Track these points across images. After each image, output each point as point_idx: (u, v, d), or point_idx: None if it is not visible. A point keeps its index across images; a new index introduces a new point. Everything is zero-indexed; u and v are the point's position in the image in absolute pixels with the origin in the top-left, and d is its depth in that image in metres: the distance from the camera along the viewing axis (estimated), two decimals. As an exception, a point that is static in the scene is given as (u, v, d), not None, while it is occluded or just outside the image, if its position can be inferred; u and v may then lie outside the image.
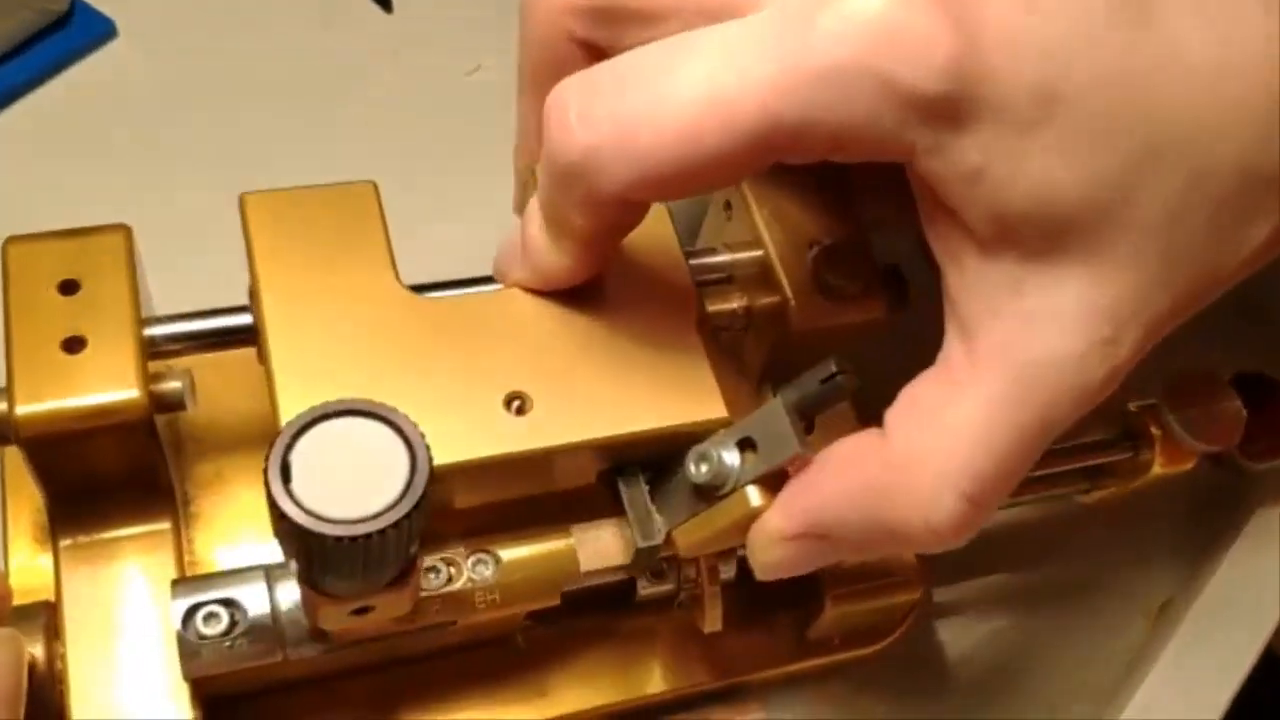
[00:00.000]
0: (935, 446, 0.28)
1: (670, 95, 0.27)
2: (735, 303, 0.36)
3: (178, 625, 0.31)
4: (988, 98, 0.25)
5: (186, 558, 0.36)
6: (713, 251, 0.37)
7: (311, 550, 0.27)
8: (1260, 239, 0.27)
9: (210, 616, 0.32)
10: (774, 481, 0.31)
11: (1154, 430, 0.41)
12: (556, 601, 0.34)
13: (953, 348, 0.29)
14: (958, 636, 0.42)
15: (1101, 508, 0.43)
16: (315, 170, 0.35)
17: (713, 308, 0.35)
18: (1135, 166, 0.26)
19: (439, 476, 0.30)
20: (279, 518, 0.26)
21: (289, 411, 0.29)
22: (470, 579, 0.33)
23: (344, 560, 0.27)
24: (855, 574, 0.38)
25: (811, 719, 0.40)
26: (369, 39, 0.52)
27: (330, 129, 0.49)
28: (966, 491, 0.28)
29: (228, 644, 0.31)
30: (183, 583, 0.33)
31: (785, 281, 0.34)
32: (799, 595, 0.39)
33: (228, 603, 0.32)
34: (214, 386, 0.35)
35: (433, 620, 0.33)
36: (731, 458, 0.31)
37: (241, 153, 0.47)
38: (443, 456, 0.30)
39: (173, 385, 0.33)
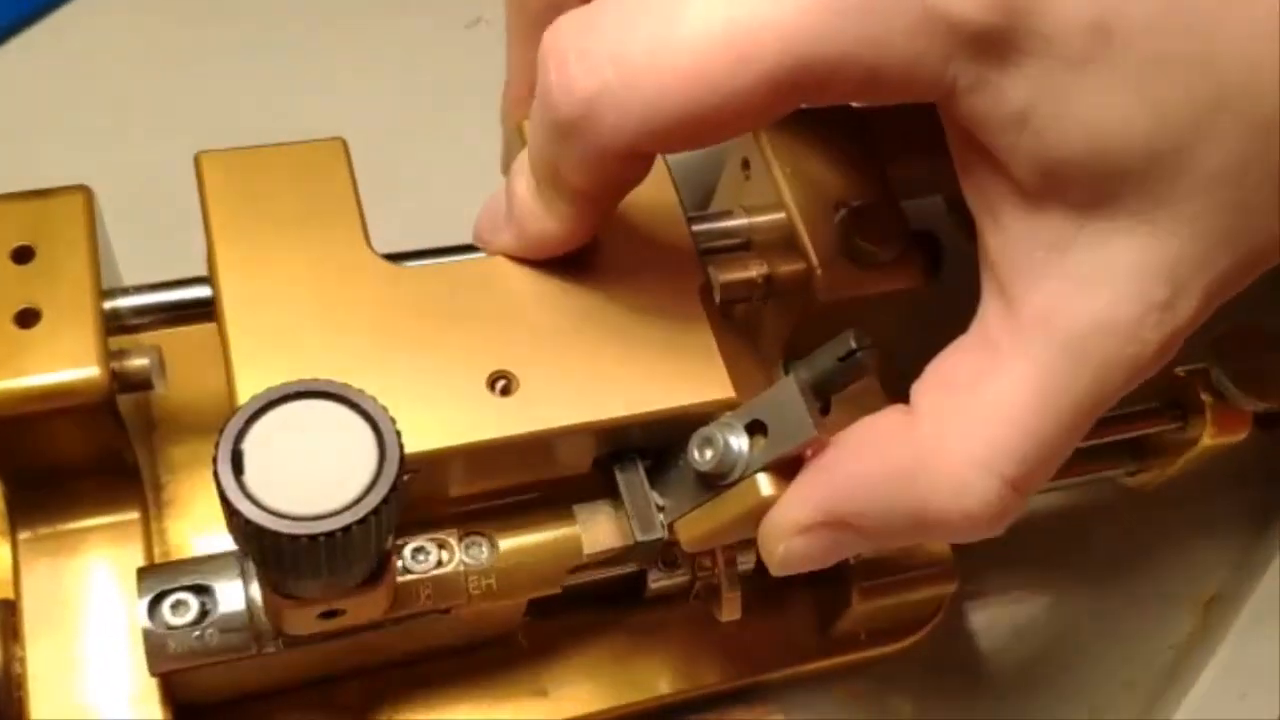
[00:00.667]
0: (970, 426, 0.25)
1: (680, 31, 0.24)
2: (754, 271, 0.33)
3: (143, 615, 0.29)
4: (1038, 29, 0.23)
5: (159, 548, 0.33)
6: (728, 215, 0.34)
7: (268, 550, 0.24)
8: None
9: (178, 605, 0.29)
10: (787, 468, 0.28)
11: (1204, 397, 0.38)
12: (558, 590, 0.31)
13: (990, 314, 0.26)
14: (989, 631, 0.40)
15: (1144, 491, 0.40)
16: (296, 129, 0.32)
17: (729, 276, 0.33)
18: (1197, 112, 0.23)
19: (415, 465, 0.27)
20: (230, 514, 0.24)
21: (247, 394, 0.26)
22: (463, 562, 0.30)
23: (305, 561, 0.24)
24: (884, 565, 0.35)
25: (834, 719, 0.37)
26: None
27: (317, 83, 0.45)
28: (1006, 475, 0.25)
29: (197, 634, 0.29)
30: (150, 570, 0.30)
31: (810, 247, 0.31)
32: (823, 588, 0.37)
33: (198, 590, 0.29)
34: (189, 362, 0.32)
35: (421, 608, 0.30)
36: (739, 442, 0.28)
37: (218, 111, 0.44)
38: (419, 443, 0.27)
39: (138, 362, 0.30)
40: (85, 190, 0.31)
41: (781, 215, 0.32)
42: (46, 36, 0.46)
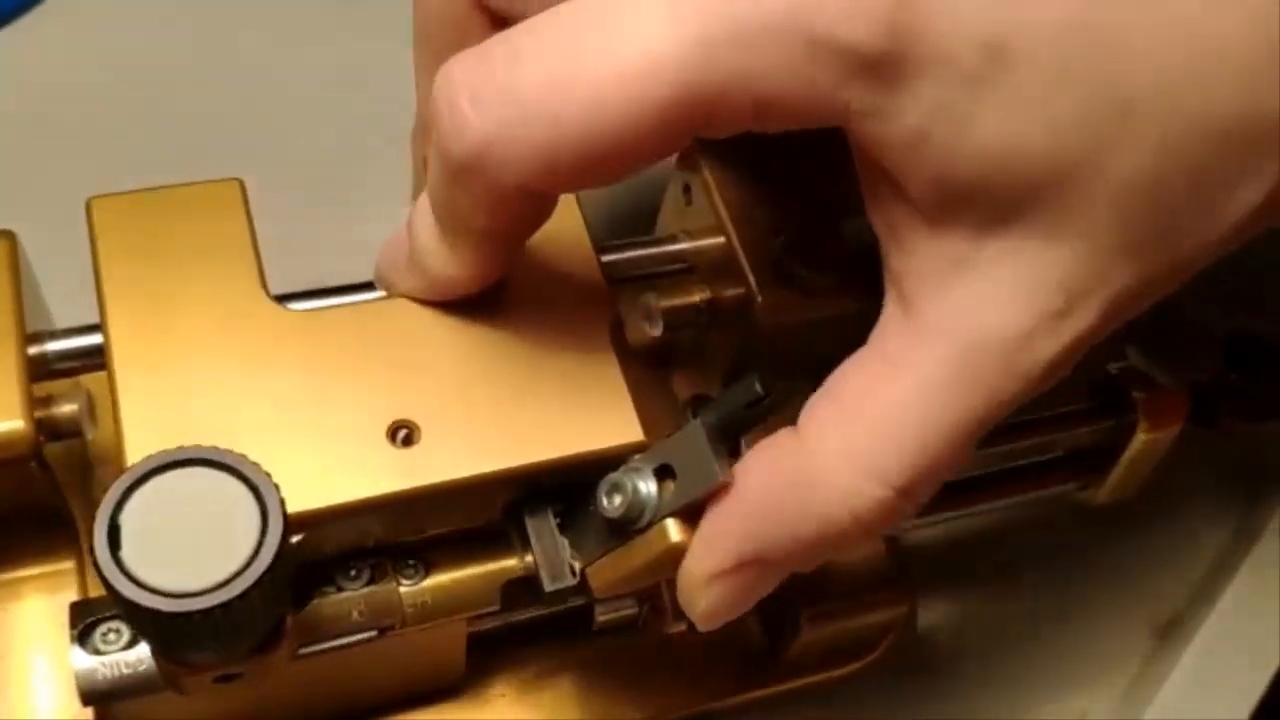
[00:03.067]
0: (857, 435, 0.25)
1: (569, 69, 0.23)
2: (697, 296, 0.32)
3: (73, 644, 0.28)
4: (927, 52, 0.22)
5: (98, 592, 0.32)
6: (671, 240, 0.33)
7: (147, 625, 0.23)
8: (1251, 203, 0.24)
9: (110, 633, 0.28)
10: (696, 513, 0.27)
11: (1135, 394, 0.37)
12: (496, 605, 0.30)
13: (889, 327, 0.26)
14: (945, 654, 0.39)
15: (1096, 505, 0.39)
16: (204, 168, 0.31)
17: (671, 302, 0.32)
18: (1103, 124, 0.23)
19: (313, 522, 0.26)
20: (108, 590, 0.23)
21: (136, 455, 0.25)
22: (397, 580, 0.29)
23: (188, 635, 0.24)
24: (832, 590, 0.34)
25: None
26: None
27: (246, 114, 0.44)
28: (893, 482, 0.25)
29: (128, 661, 0.27)
30: (83, 603, 0.29)
31: (749, 272, 0.30)
32: (772, 615, 0.36)
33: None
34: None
35: (353, 629, 0.28)
36: (648, 487, 0.27)
37: (160, 143, 0.43)
38: (315, 499, 0.26)
39: (67, 409, 0.30)
40: (7, 235, 0.30)
41: (722, 240, 0.31)
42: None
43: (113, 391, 0.27)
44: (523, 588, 0.29)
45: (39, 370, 0.29)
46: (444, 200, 0.26)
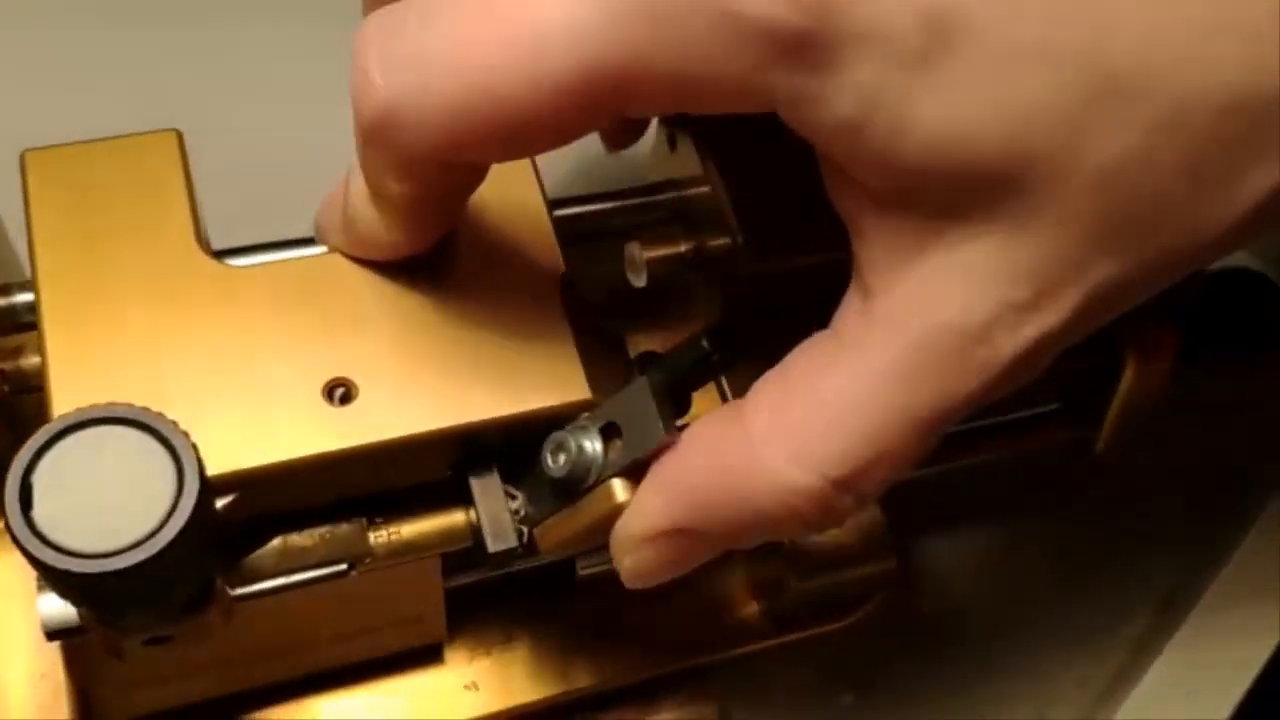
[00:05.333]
0: (795, 420, 0.24)
1: (471, 35, 0.22)
2: (682, 245, 0.32)
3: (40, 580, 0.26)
4: (860, 28, 0.20)
5: None
6: (656, 188, 0.32)
7: (60, 585, 0.23)
8: (1265, 188, 0.21)
9: None
10: (642, 474, 0.26)
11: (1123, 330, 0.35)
12: (469, 542, 0.29)
13: (847, 308, 0.24)
14: (937, 625, 0.38)
15: (1095, 458, 0.38)
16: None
17: (655, 252, 0.31)
18: (1074, 107, 0.20)
19: (248, 482, 0.26)
20: (18, 548, 0.22)
21: (64, 409, 0.25)
22: (363, 521, 0.28)
23: (105, 596, 0.23)
24: (817, 546, 0.33)
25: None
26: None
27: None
28: (827, 474, 0.23)
29: None
30: None
31: (734, 220, 0.29)
32: (760, 570, 0.35)
33: None
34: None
35: (323, 561, 0.28)
36: (594, 446, 0.26)
37: (153, 79, 0.42)
38: (249, 459, 0.26)
39: (34, 361, 0.29)
40: None
41: (708, 189, 0.30)
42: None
43: (41, 348, 0.26)
44: (470, 549, 0.28)
45: (7, 322, 0.29)
46: (365, 163, 0.25)
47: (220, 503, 0.25)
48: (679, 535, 0.25)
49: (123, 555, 0.22)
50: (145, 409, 0.23)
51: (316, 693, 0.33)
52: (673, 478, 0.25)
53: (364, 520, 0.28)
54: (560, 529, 0.27)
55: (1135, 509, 0.40)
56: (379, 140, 0.23)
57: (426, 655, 0.34)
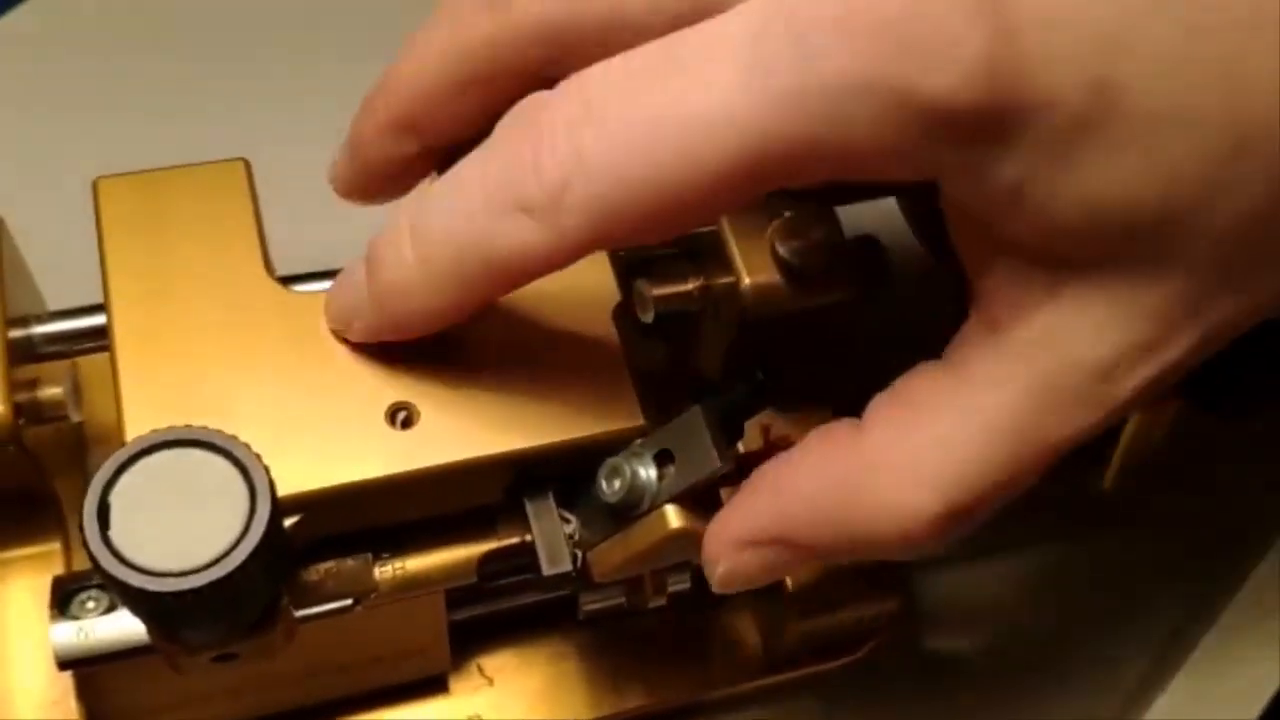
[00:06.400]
0: (920, 445, 0.24)
1: (636, 126, 0.22)
2: (690, 284, 0.31)
3: (52, 609, 0.28)
4: (1030, 102, 0.21)
5: None
6: None
7: (137, 604, 0.24)
8: None
9: (89, 600, 0.28)
10: (697, 499, 0.27)
11: None
12: (474, 577, 0.29)
13: (971, 340, 0.25)
14: (941, 658, 0.38)
15: (1111, 521, 0.38)
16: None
17: (664, 290, 0.31)
18: (1213, 165, 0.21)
19: (312, 504, 0.26)
20: (96, 569, 0.23)
21: (135, 433, 0.25)
22: (368, 558, 0.28)
23: (176, 614, 0.24)
24: (820, 584, 0.34)
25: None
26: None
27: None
28: (949, 499, 0.24)
29: (103, 625, 0.27)
30: (65, 577, 0.29)
31: (739, 260, 0.29)
32: (762, 606, 0.35)
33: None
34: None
35: (328, 597, 0.28)
36: (648, 473, 0.27)
37: (174, 119, 0.43)
38: (313, 481, 0.26)
39: (50, 392, 0.30)
40: None
41: (713, 227, 0.30)
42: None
43: (114, 371, 0.27)
44: (519, 569, 0.29)
45: (24, 353, 0.30)
46: (482, 233, 0.24)
47: (287, 523, 0.26)
48: (777, 546, 0.26)
49: (196, 575, 0.23)
50: (219, 432, 0.24)
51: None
52: (780, 487, 0.26)
53: (369, 555, 0.28)
54: (613, 553, 0.28)
55: (1140, 547, 0.40)
56: (539, 218, 0.23)
57: (430, 685, 0.34)
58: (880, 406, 0.25)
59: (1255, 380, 0.38)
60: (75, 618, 0.27)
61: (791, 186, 0.23)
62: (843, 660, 0.35)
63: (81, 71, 0.45)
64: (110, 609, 0.27)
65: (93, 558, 0.23)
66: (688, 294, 0.31)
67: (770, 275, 0.29)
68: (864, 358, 0.30)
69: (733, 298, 0.30)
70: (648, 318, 0.32)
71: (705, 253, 0.31)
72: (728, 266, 0.29)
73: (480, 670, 0.35)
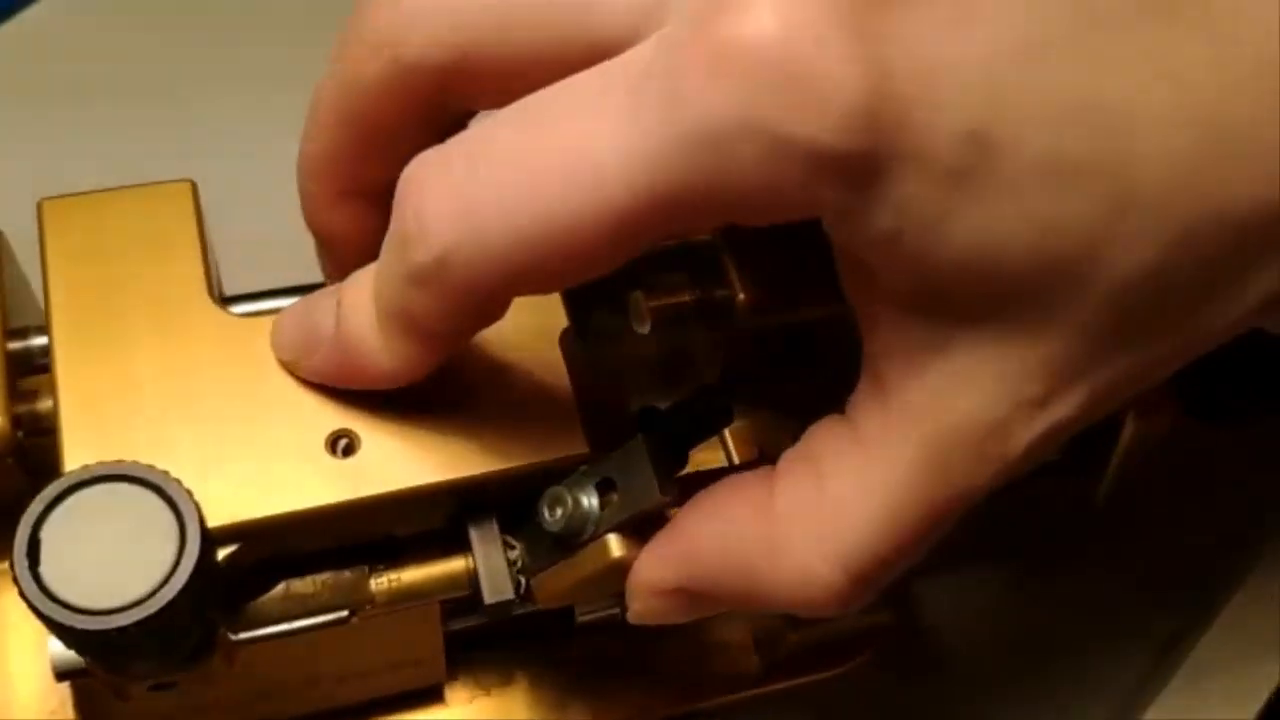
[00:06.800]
0: (823, 517, 0.24)
1: (522, 177, 0.22)
2: (685, 295, 0.31)
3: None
4: (907, 149, 0.20)
5: None
6: None
7: (69, 639, 0.24)
8: (1263, 294, 0.22)
9: None
10: (639, 528, 0.26)
11: None
12: (467, 590, 0.29)
13: (863, 401, 0.24)
14: (941, 661, 0.38)
15: (1110, 524, 0.38)
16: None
17: (660, 301, 0.31)
18: (1101, 219, 0.21)
19: (250, 534, 0.26)
20: (27, 604, 0.23)
21: (75, 463, 0.25)
22: (364, 569, 0.29)
23: (109, 650, 0.24)
24: None
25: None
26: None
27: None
28: (847, 567, 0.24)
29: None
30: None
31: (734, 272, 0.29)
32: (758, 621, 0.36)
33: None
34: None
35: (323, 608, 0.28)
36: (590, 501, 0.27)
37: (170, 136, 0.43)
38: (251, 510, 0.26)
39: (48, 404, 0.29)
40: None
41: (709, 238, 0.30)
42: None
43: (54, 397, 0.27)
44: (467, 599, 0.29)
45: (23, 365, 0.30)
46: (397, 300, 0.24)
47: (223, 552, 0.26)
48: (684, 594, 0.26)
49: (126, 612, 0.23)
50: (150, 467, 0.24)
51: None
52: (688, 540, 0.26)
53: (365, 567, 0.28)
54: (557, 581, 0.28)
55: (1137, 551, 0.40)
56: (432, 283, 0.23)
57: (426, 696, 0.34)
58: (788, 462, 0.25)
59: (1250, 389, 0.38)
60: None
61: (689, 234, 0.22)
62: (837, 669, 0.35)
63: (82, 78, 0.45)
64: None
65: (23, 594, 0.23)
66: (683, 305, 0.31)
67: (766, 288, 0.29)
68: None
69: (727, 310, 0.30)
70: (644, 329, 0.32)
71: (701, 265, 0.31)
72: (723, 279, 0.29)
73: (476, 681, 0.35)
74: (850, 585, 0.24)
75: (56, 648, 0.27)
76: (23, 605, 0.31)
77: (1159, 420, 0.35)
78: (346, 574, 0.28)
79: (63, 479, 0.24)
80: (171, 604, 0.23)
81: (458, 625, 0.32)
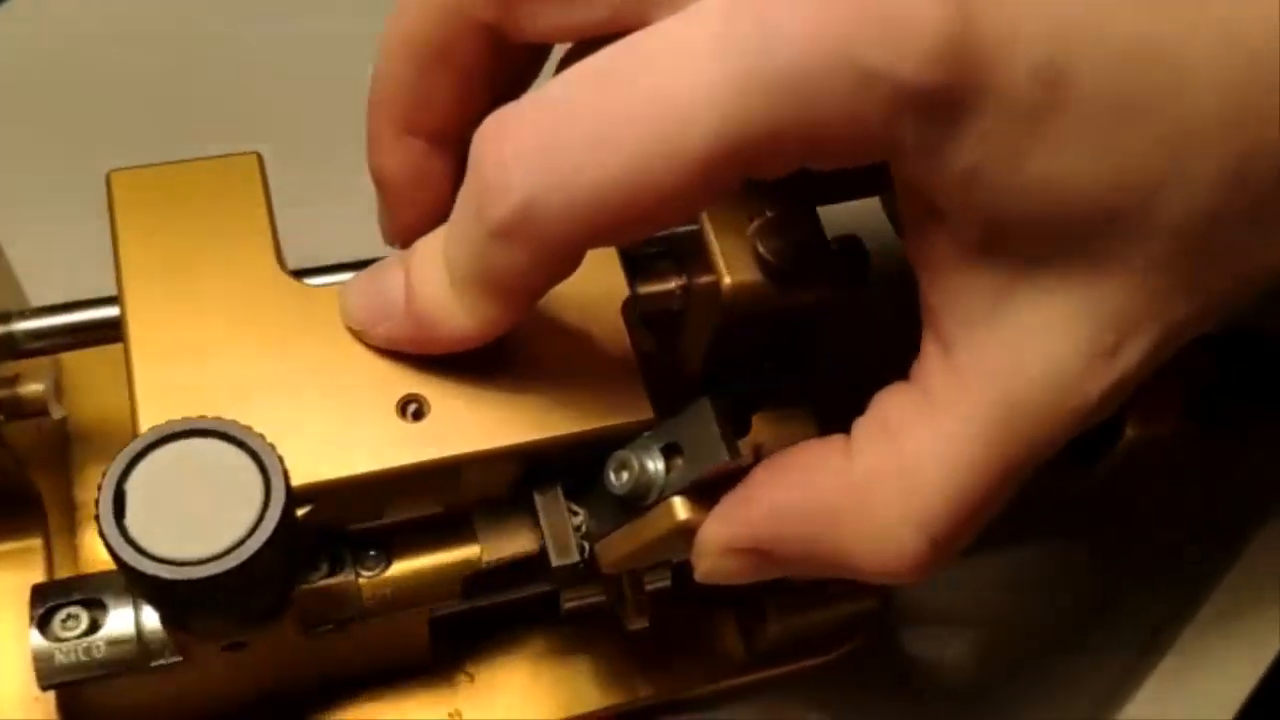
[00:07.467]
0: (902, 480, 0.24)
1: (608, 125, 0.22)
2: (673, 283, 0.31)
3: (33, 629, 0.28)
4: (986, 85, 0.21)
5: (78, 563, 0.33)
6: None
7: (150, 591, 0.24)
8: None
9: (70, 619, 0.28)
10: (705, 490, 0.27)
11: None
12: (457, 601, 0.30)
13: (930, 362, 0.25)
14: (927, 652, 0.38)
15: (1097, 519, 0.39)
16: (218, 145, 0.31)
17: (649, 289, 0.31)
18: (1166, 156, 0.21)
19: (323, 494, 0.27)
20: (112, 556, 0.23)
21: (149, 424, 0.26)
22: (357, 571, 0.29)
23: (191, 602, 0.24)
24: (801, 585, 0.34)
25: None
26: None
27: (234, 99, 0.44)
28: (930, 532, 0.24)
29: (85, 647, 0.28)
30: (44, 586, 0.29)
31: (720, 259, 0.29)
32: (743, 604, 0.36)
33: (90, 604, 0.28)
34: (103, 377, 0.32)
35: (315, 619, 0.28)
36: (655, 465, 0.27)
37: (137, 128, 0.43)
38: (324, 471, 0.27)
39: (31, 389, 0.30)
40: None
41: (695, 226, 0.31)
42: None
43: (128, 362, 0.27)
44: (532, 564, 0.29)
45: (5, 350, 0.30)
46: (475, 255, 0.24)
47: (299, 513, 0.26)
48: (755, 554, 0.26)
49: (211, 563, 0.23)
50: (234, 422, 0.24)
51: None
52: (763, 501, 0.26)
53: (355, 575, 0.29)
54: (621, 545, 0.28)
55: (1120, 546, 0.41)
56: (515, 235, 0.23)
57: (411, 681, 0.34)
58: (863, 430, 0.25)
59: (1248, 391, 0.38)
60: (58, 639, 0.28)
61: (766, 176, 0.23)
62: (823, 658, 0.35)
63: (67, 68, 0.45)
64: (91, 629, 0.28)
65: (109, 546, 0.23)
66: (670, 293, 0.31)
67: (751, 274, 0.29)
68: (847, 357, 0.30)
69: (714, 296, 0.30)
70: (632, 315, 0.32)
71: (688, 252, 0.31)
72: (709, 265, 0.30)
73: (461, 667, 0.35)
74: (931, 549, 0.24)
75: (41, 659, 0.27)
76: (3, 594, 0.31)
77: (1161, 424, 0.36)
78: (337, 580, 0.29)
79: (147, 433, 0.24)
80: (256, 555, 0.23)
81: (444, 611, 0.32)
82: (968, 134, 0.21)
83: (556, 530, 0.29)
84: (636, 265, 0.30)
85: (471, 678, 0.35)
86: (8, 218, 0.29)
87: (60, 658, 0.27)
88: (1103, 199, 0.22)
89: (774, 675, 0.36)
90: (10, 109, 0.44)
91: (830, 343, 0.31)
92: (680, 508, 0.27)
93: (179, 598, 0.24)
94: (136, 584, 0.24)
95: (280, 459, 0.24)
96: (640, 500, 0.27)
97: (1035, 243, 0.22)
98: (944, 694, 0.38)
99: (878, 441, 0.25)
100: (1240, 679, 0.36)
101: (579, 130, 0.22)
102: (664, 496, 0.27)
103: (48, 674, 0.27)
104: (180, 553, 0.23)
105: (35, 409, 0.29)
